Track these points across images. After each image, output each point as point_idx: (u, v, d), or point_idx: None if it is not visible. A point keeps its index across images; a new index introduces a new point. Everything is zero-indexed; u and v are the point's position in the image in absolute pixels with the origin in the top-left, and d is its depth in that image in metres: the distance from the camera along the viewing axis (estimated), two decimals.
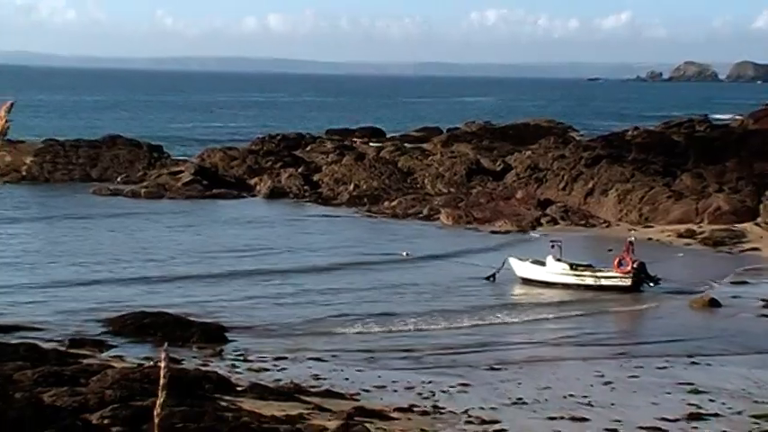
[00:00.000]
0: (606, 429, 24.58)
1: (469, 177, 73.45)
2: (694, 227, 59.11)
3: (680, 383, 29.37)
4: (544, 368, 31.42)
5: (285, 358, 31.50)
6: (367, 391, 27.87)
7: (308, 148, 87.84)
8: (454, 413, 25.52)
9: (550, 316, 40.06)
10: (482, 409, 26.00)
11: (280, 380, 28.54)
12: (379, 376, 29.61)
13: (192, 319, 35.23)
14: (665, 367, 31.61)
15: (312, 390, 27.37)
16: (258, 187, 74.17)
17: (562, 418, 25.47)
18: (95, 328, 34.36)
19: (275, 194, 71.99)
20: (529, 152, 77.71)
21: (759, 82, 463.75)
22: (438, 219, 63.21)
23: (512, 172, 73.91)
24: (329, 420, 22.28)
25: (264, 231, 57.65)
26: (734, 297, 43.06)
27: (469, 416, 25.24)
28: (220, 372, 27.67)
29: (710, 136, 79.61)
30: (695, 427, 24.92)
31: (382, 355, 32.77)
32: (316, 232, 58.42)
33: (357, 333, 35.55)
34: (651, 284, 44.24)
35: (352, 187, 72.43)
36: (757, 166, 66.91)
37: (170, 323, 34.18)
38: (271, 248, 51.83)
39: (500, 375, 30.23)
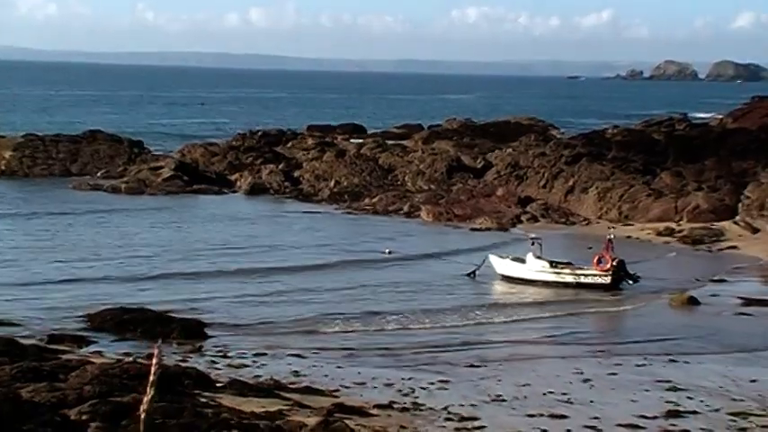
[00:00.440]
0: (585, 426, 24.64)
1: (450, 174, 73.55)
2: (673, 225, 59.38)
3: (658, 381, 29.47)
4: (524, 366, 31.49)
5: (265, 355, 31.47)
6: (347, 387, 27.87)
7: (289, 145, 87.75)
8: (434, 410, 25.54)
9: (530, 314, 40.10)
10: (461, 406, 26.03)
11: (259, 376, 28.50)
12: (359, 373, 29.62)
13: (172, 315, 35.17)
14: (643, 365, 31.72)
15: (292, 386, 27.34)
16: (239, 183, 74.10)
17: (541, 415, 25.52)
18: (75, 323, 34.25)
19: (256, 190, 71.92)
20: (509, 150, 77.89)
21: (739, 81, 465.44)
22: (418, 216, 63.28)
23: (492, 169, 74.04)
24: (309, 417, 22.27)
25: (246, 228, 57.54)
26: (713, 295, 43.28)
27: (449, 413, 25.26)
28: (200, 368, 27.62)
29: (690, 135, 79.97)
30: (673, 425, 25.00)
31: (362, 352, 32.78)
32: (297, 229, 58.36)
33: (338, 331, 35.50)
34: (630, 282, 44.40)
35: (332, 184, 72.42)
36: (736, 164, 67.26)
37: (150, 319, 34.10)
38: (252, 246, 51.72)
39: (480, 373, 30.27)
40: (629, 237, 56.54)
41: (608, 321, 41.08)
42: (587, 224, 61.84)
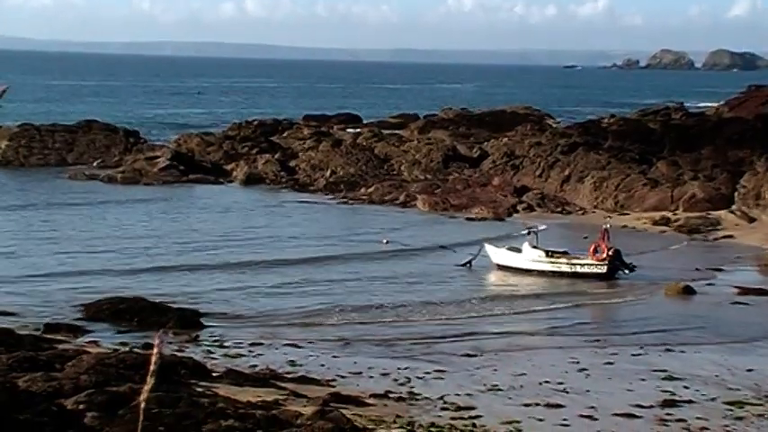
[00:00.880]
0: (581, 416, 24.69)
1: (446, 164, 73.52)
2: (669, 214, 59.39)
3: (654, 370, 29.52)
4: (520, 355, 31.51)
5: (261, 344, 31.47)
6: (343, 377, 27.90)
7: (285, 134, 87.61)
8: (430, 399, 25.58)
9: (527, 304, 40.06)
10: (458, 395, 26.07)
11: (255, 366, 28.53)
12: (355, 362, 29.65)
13: (168, 305, 35.15)
14: (639, 354, 31.76)
15: (288, 376, 27.37)
16: (235, 173, 74.01)
17: (537, 404, 25.57)
18: (71, 313, 34.24)
19: (252, 180, 71.85)
20: (505, 139, 77.83)
21: (735, 70, 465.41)
22: (414, 205, 63.25)
23: (488, 159, 74.02)
24: (304, 406, 22.28)
25: (242, 219, 57.41)
26: (709, 284, 43.32)
27: (445, 402, 25.31)
28: (196, 357, 27.64)
29: (686, 124, 79.88)
30: (669, 414, 25.06)
31: (358, 342, 32.78)
32: (293, 220, 58.24)
33: (335, 322, 35.38)
34: (626, 272, 44.41)
35: (328, 173, 72.37)
36: (732, 153, 67.25)
37: (146, 309, 34.10)
38: (249, 237, 51.51)
39: (476, 362, 30.30)
40: (624, 226, 56.55)
41: (605, 311, 41.10)
42: (583, 213, 61.84)
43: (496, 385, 27.39)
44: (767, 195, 59.28)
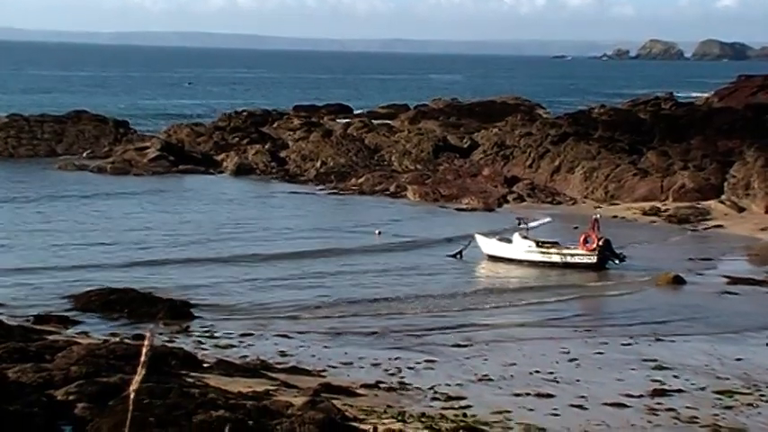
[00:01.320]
0: (571, 405, 24.73)
1: (436, 154, 73.51)
2: (659, 204, 59.50)
3: (644, 360, 29.60)
4: (510, 345, 31.54)
5: (251, 335, 31.46)
6: (333, 367, 27.91)
7: (275, 125, 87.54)
8: (420, 389, 25.61)
9: (518, 294, 40.10)
10: (448, 385, 26.10)
11: (246, 356, 28.52)
12: (346, 353, 29.66)
13: (158, 296, 35.08)
14: (629, 344, 31.83)
15: (278, 366, 27.37)
16: (225, 163, 73.92)
17: (528, 394, 25.61)
18: (61, 304, 34.17)
19: (242, 171, 71.77)
20: (496, 129, 77.84)
21: (724, 60, 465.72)
22: (405, 196, 63.25)
23: (479, 149, 74.04)
24: (295, 397, 22.29)
25: (233, 210, 57.30)
26: (698, 274, 43.40)
27: (435, 392, 25.33)
28: (187, 348, 27.62)
29: (676, 114, 79.97)
30: (659, 403, 25.11)
31: (349, 333, 32.76)
32: (285, 211, 58.15)
33: (326, 316, 35.26)
34: (616, 262, 44.48)
35: (319, 164, 72.33)
36: (721, 143, 67.33)
37: (136, 299, 34.06)
38: (241, 229, 51.31)
39: (466, 352, 30.33)
40: (615, 216, 56.62)
41: (595, 302, 41.15)
42: (573, 204, 61.90)
43: (487, 375, 27.43)
44: (756, 185, 59.41)
